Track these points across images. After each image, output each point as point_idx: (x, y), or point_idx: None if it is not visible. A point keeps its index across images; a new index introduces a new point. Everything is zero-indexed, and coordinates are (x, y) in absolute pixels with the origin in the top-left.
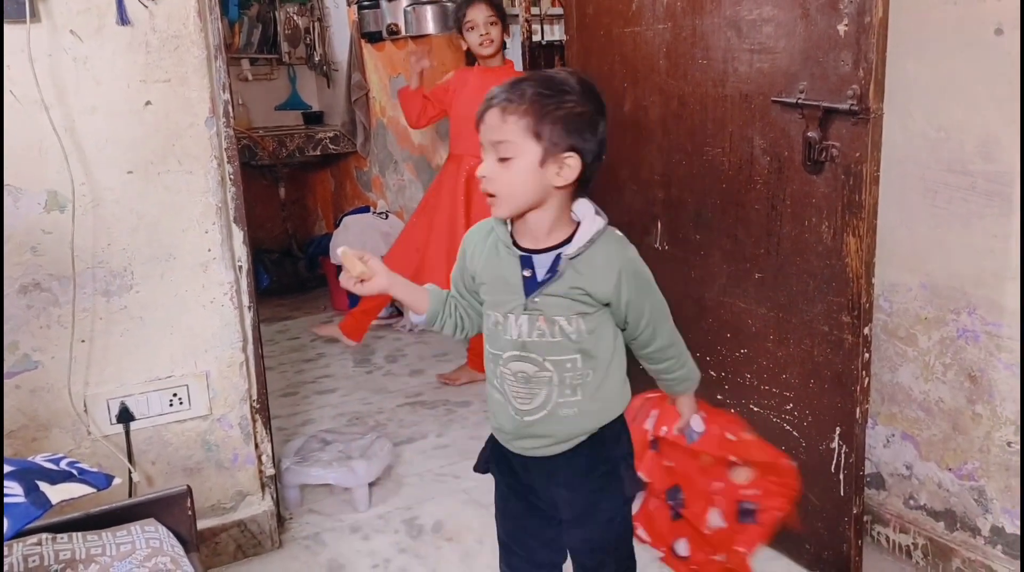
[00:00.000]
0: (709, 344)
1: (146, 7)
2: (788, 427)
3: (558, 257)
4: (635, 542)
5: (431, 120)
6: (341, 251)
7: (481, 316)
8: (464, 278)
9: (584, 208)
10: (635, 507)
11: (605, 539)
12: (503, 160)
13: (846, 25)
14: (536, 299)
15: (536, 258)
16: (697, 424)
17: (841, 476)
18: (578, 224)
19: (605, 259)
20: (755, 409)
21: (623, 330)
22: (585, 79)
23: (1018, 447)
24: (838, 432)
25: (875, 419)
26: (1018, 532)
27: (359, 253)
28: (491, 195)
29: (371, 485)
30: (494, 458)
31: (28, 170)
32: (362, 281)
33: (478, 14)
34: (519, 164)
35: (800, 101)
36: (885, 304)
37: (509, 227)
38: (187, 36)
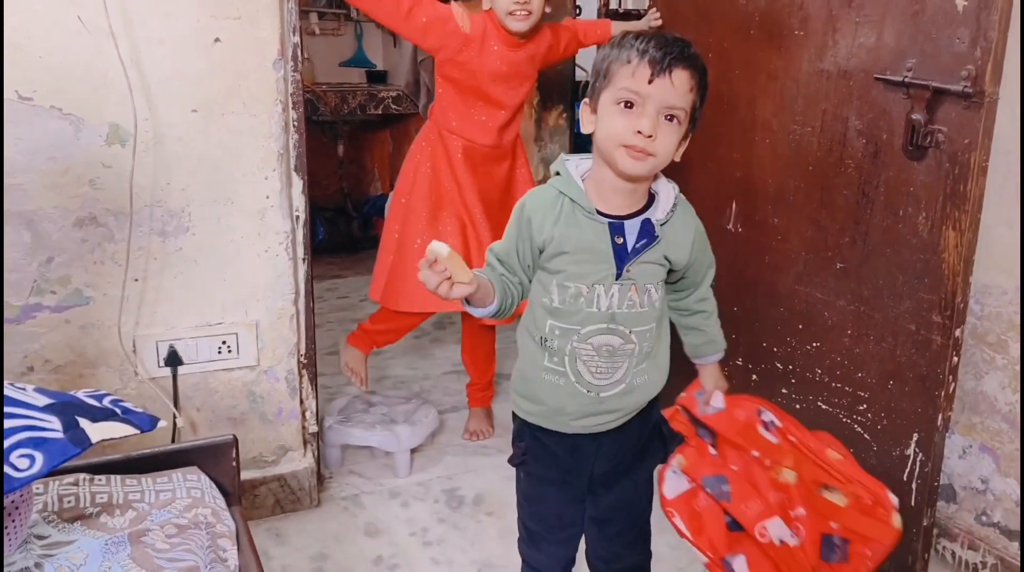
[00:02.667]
0: (778, 334)
1: None
2: (859, 429)
3: (646, 222)
4: (675, 535)
5: (413, 26)
6: (442, 249)
7: (521, 292)
8: (524, 251)
9: (665, 179)
10: (674, 488)
11: (636, 501)
12: (669, 122)
13: None
14: (630, 268)
15: (627, 224)
16: (718, 400)
17: (914, 485)
18: (649, 190)
19: (683, 224)
20: (824, 407)
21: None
22: None
23: None
24: (915, 438)
25: (952, 428)
26: None
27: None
28: (648, 154)
29: (412, 451)
30: (532, 449)
31: (91, 100)
32: (449, 279)
33: None
34: (679, 130)
35: (907, 79)
36: (976, 306)
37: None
38: None
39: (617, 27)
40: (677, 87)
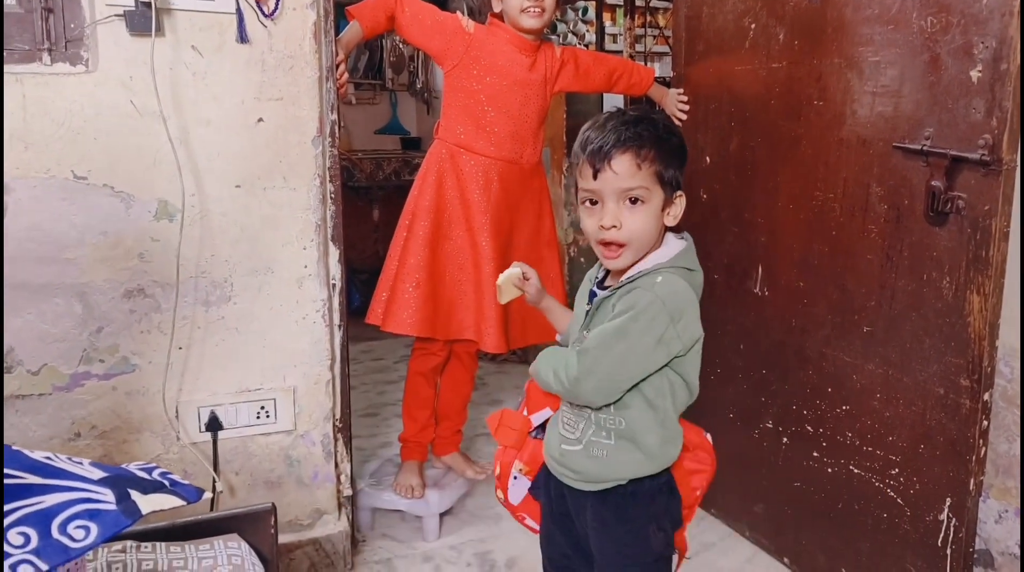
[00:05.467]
0: (807, 397)
1: (265, 27)
2: (892, 493)
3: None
4: None
5: (390, 23)
6: (502, 276)
7: None
8: None
9: (668, 249)
10: (518, 494)
11: None
12: (633, 203)
13: (979, 71)
14: (585, 332)
15: (599, 294)
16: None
17: (948, 551)
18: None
19: (630, 298)
20: (856, 471)
21: None
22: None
23: None
24: (948, 503)
25: (987, 492)
26: None
27: (521, 271)
28: (619, 245)
29: (444, 514)
30: (544, 481)
31: (142, 178)
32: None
33: None
34: (649, 208)
35: (925, 148)
36: (1005, 369)
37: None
38: (302, 57)
39: (658, 90)
40: (621, 173)
